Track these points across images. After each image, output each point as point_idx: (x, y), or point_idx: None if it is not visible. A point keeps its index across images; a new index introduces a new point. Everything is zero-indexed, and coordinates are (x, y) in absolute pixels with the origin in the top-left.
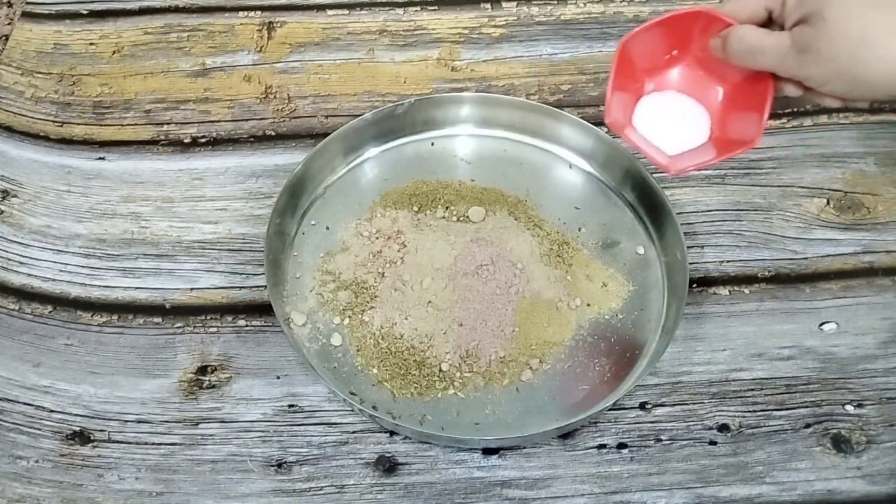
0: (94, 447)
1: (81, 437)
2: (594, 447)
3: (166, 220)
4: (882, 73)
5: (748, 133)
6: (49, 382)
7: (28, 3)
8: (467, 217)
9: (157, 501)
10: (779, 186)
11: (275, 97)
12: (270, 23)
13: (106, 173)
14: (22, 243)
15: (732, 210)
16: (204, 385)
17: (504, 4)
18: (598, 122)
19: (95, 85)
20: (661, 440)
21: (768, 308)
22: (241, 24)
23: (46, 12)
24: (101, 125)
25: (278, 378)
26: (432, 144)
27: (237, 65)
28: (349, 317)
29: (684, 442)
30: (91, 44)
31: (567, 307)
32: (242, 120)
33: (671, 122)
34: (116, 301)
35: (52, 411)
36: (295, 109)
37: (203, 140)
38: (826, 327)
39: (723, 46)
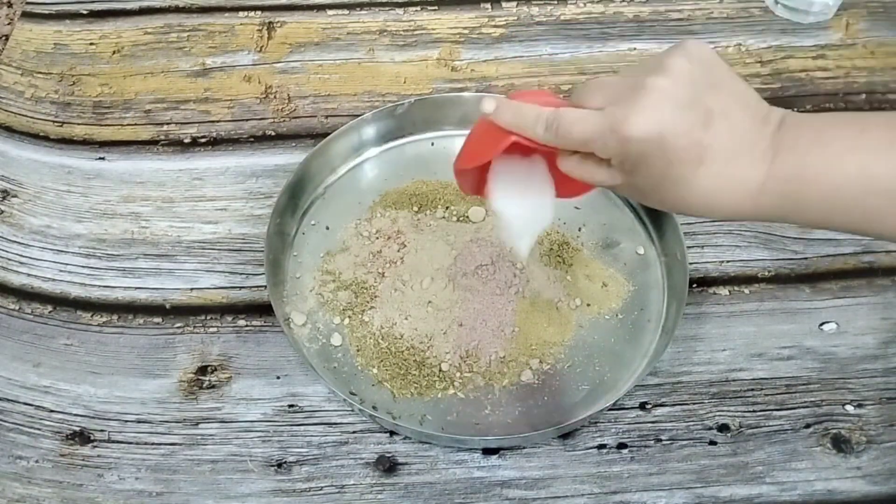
0: (94, 447)
1: (81, 437)
2: (594, 447)
3: (166, 220)
4: (718, 217)
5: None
6: (49, 382)
7: (28, 3)
8: (467, 217)
9: (157, 501)
10: None
11: (275, 97)
12: (270, 23)
13: (106, 173)
14: (22, 243)
15: None
16: (204, 385)
17: (504, 4)
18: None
19: (95, 85)
20: (661, 440)
21: (768, 308)
22: (241, 24)
23: (46, 12)
24: (101, 125)
25: (278, 378)
26: (432, 144)
27: (237, 65)
28: (349, 317)
29: (684, 442)
30: (91, 44)
31: (567, 307)
32: (242, 120)
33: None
34: (116, 301)
35: (52, 411)
36: (295, 109)
37: (203, 140)
38: (826, 327)
39: (519, 115)
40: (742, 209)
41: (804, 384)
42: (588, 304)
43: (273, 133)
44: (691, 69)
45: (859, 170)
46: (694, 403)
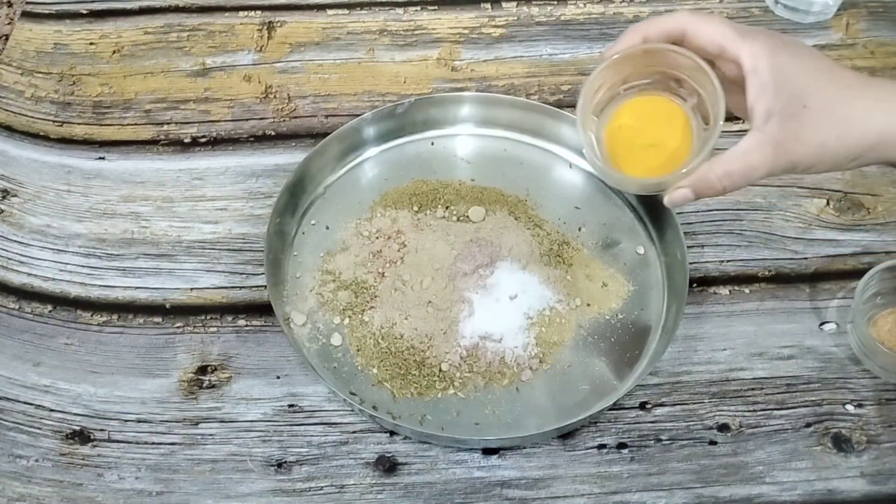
0: (94, 446)
1: (81, 436)
2: (594, 447)
3: (166, 220)
4: (864, 147)
5: None
6: (49, 382)
7: (28, 3)
8: (467, 217)
9: (157, 501)
10: (779, 186)
11: (275, 97)
12: (270, 23)
13: (106, 173)
14: (22, 243)
15: (732, 210)
16: (204, 385)
17: (504, 4)
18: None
19: (95, 85)
20: (661, 440)
21: (768, 308)
22: (241, 23)
23: (46, 12)
24: (101, 125)
25: (278, 378)
26: (432, 144)
27: (237, 65)
28: (349, 317)
29: (684, 442)
30: (91, 44)
31: (567, 307)
32: (242, 120)
33: None
34: (116, 301)
35: (52, 410)
36: (295, 109)
37: (203, 140)
38: (826, 327)
39: (703, 189)
40: (870, 127)
41: (804, 384)
42: (588, 304)
43: (273, 133)
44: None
45: None
46: (694, 403)
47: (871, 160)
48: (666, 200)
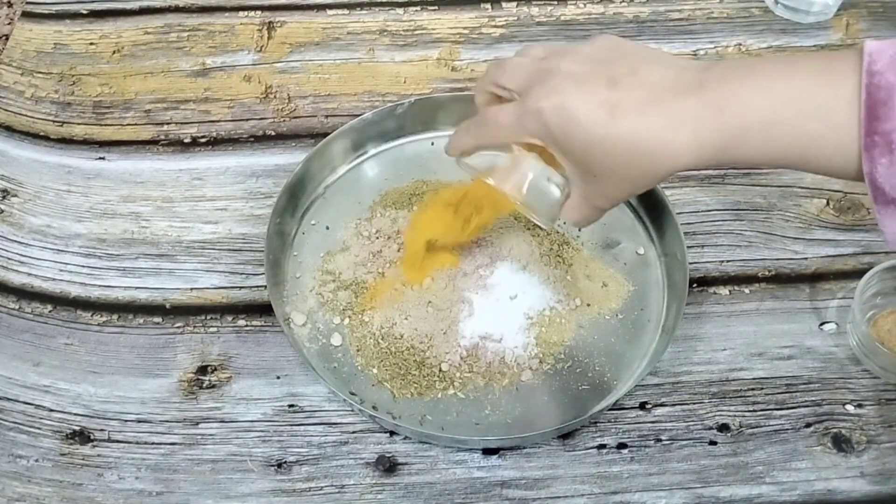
0: (94, 446)
1: (81, 436)
2: (594, 447)
3: (166, 220)
4: (660, 173)
5: None
6: (49, 382)
7: (28, 3)
8: None
9: (157, 501)
10: (779, 186)
11: (275, 97)
12: (270, 23)
13: (106, 173)
14: (22, 243)
15: (732, 210)
16: (204, 385)
17: (504, 4)
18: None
19: (95, 85)
20: (661, 440)
21: (768, 308)
22: (241, 24)
23: (46, 12)
24: (101, 125)
25: (278, 378)
26: (432, 144)
27: (237, 65)
28: (349, 317)
29: (684, 442)
30: (91, 44)
31: (567, 307)
32: (242, 120)
33: None
34: (116, 301)
35: (52, 410)
36: (295, 109)
37: (203, 140)
38: (826, 327)
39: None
40: (678, 151)
41: (804, 384)
42: (588, 304)
43: (273, 133)
44: (592, 51)
45: (795, 92)
46: (694, 403)
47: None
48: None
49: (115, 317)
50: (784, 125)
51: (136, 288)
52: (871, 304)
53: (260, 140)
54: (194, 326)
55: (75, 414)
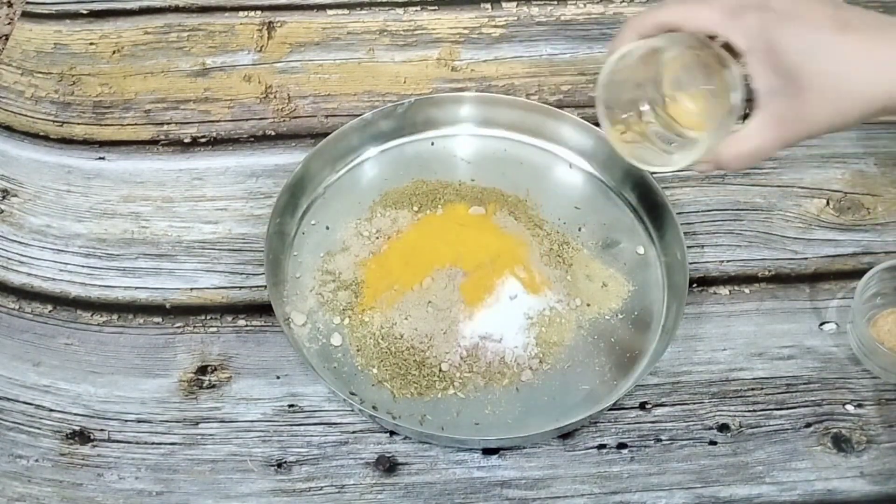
0: (94, 446)
1: (81, 436)
2: (594, 447)
3: (166, 220)
4: (870, 113)
5: None
6: (49, 382)
7: (28, 3)
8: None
9: (157, 501)
10: (779, 186)
11: (275, 97)
12: (270, 23)
13: (106, 173)
14: (22, 243)
15: (732, 210)
16: (204, 385)
17: (504, 4)
18: (598, 123)
19: (95, 85)
20: (661, 440)
21: (768, 308)
22: (241, 24)
23: (46, 12)
24: (101, 125)
25: (278, 378)
26: (432, 144)
27: (237, 65)
28: (349, 317)
29: (684, 442)
30: (91, 44)
31: (567, 307)
32: (242, 120)
33: None
34: (116, 301)
35: (52, 410)
36: (295, 109)
37: (203, 140)
38: (826, 327)
39: (714, 167)
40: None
41: (804, 384)
42: (588, 304)
43: (273, 133)
44: None
45: None
46: (694, 403)
47: (880, 117)
48: (696, 169)
49: (115, 317)
50: None
51: (136, 288)
52: (871, 304)
53: (260, 140)
54: (194, 326)
55: (75, 414)
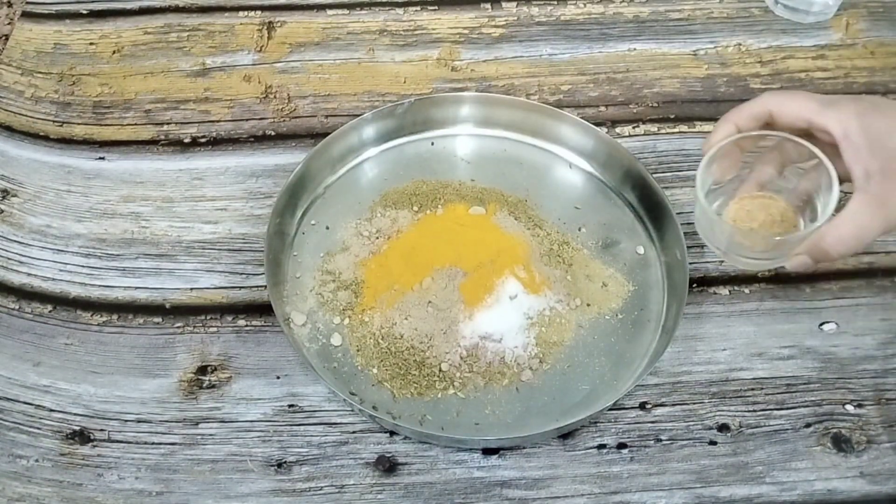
0: (94, 447)
1: (81, 436)
2: (594, 447)
3: (166, 220)
4: None
5: None
6: (49, 382)
7: (28, 3)
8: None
9: (157, 501)
10: None
11: (275, 97)
12: (270, 23)
13: (106, 173)
14: (22, 243)
15: None
16: (204, 385)
17: (504, 4)
18: (598, 123)
19: (95, 85)
20: (661, 440)
21: (768, 308)
22: (241, 24)
23: (46, 12)
24: (101, 125)
25: (278, 378)
26: (432, 144)
27: (237, 65)
28: (349, 317)
29: (684, 442)
30: (91, 44)
31: (567, 307)
32: (242, 120)
33: None
34: (116, 301)
35: (52, 410)
36: (295, 109)
37: (203, 140)
38: (826, 327)
39: (816, 257)
40: None
41: (804, 384)
42: (588, 304)
43: (273, 133)
44: None
45: None
46: (694, 403)
47: None
48: (788, 265)
49: (115, 317)
50: None
51: (136, 288)
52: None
53: (260, 140)
54: (194, 326)
55: (75, 414)
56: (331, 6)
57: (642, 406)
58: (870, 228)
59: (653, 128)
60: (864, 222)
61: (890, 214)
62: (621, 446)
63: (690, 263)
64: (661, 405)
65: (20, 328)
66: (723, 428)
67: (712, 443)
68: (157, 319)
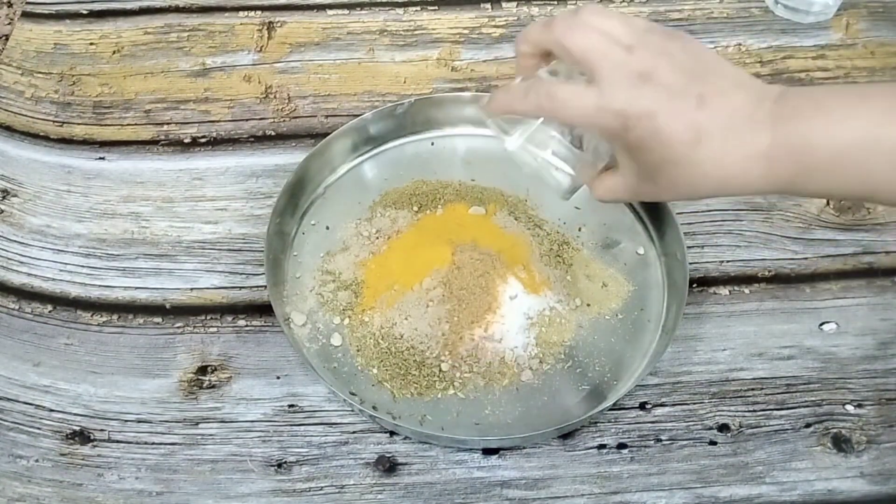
0: (94, 447)
1: (81, 436)
2: (594, 447)
3: (166, 220)
4: (735, 195)
5: None
6: (49, 382)
7: (28, 3)
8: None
9: (157, 501)
10: None
11: (275, 97)
12: (270, 23)
13: (106, 173)
14: (22, 243)
15: (732, 210)
16: (204, 385)
17: (504, 4)
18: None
19: (95, 85)
20: (661, 440)
21: (768, 308)
22: (241, 24)
23: (46, 12)
24: (101, 125)
25: (278, 378)
26: (432, 144)
27: (237, 65)
28: (349, 317)
29: (684, 442)
30: (91, 44)
31: (567, 307)
32: (242, 120)
33: None
34: (116, 301)
35: (52, 410)
36: (295, 109)
37: (203, 140)
38: (826, 327)
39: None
40: (750, 181)
41: (804, 384)
42: (588, 304)
43: (273, 133)
44: (685, 59)
45: (863, 134)
46: (694, 403)
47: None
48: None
49: (115, 317)
50: (850, 165)
51: (136, 288)
52: None
53: (260, 140)
54: (194, 326)
55: (75, 414)
56: (331, 6)
57: (642, 406)
58: (618, 199)
59: None
60: (616, 196)
61: (640, 197)
62: (621, 446)
63: (690, 263)
64: (662, 405)
65: (20, 328)
66: (723, 428)
67: (712, 443)
68: (157, 319)
